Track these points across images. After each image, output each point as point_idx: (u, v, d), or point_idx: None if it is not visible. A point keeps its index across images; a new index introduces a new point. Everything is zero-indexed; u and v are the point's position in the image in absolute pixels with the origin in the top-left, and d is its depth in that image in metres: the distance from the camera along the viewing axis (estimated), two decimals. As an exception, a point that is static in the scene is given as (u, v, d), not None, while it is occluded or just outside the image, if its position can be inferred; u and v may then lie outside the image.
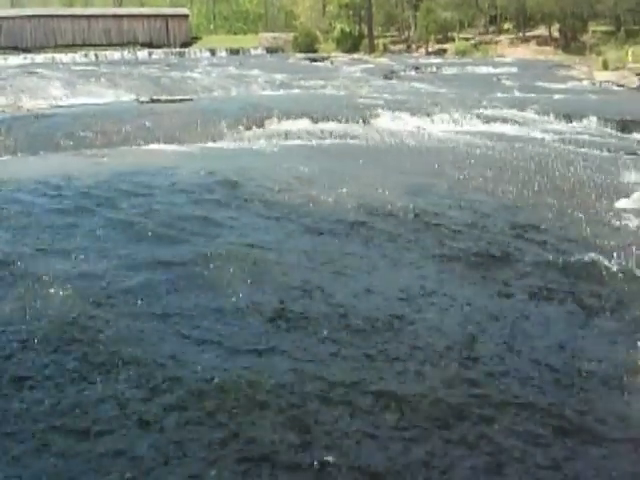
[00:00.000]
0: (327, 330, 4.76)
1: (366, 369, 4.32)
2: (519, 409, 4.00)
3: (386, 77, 31.00)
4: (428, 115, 16.32)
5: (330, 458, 3.49)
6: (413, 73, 33.22)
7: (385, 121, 15.63)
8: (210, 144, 12.59)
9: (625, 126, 16.74)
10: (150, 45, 50.50)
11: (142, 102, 18.08)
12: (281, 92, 23.47)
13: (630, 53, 33.42)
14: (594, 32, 43.21)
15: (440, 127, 15.26)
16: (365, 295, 5.48)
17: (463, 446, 3.66)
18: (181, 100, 18.52)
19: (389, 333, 4.80)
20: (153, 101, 18.18)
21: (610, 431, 3.89)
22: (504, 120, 16.33)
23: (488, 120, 16.23)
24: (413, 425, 3.79)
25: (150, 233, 6.54)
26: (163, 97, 19.43)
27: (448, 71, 34.06)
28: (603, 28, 43.93)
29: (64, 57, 42.64)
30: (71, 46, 47.95)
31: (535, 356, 4.65)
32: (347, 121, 15.19)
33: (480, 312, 5.33)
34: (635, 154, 13.09)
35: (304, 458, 3.50)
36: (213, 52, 47.89)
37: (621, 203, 8.90)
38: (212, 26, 58.86)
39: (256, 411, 3.82)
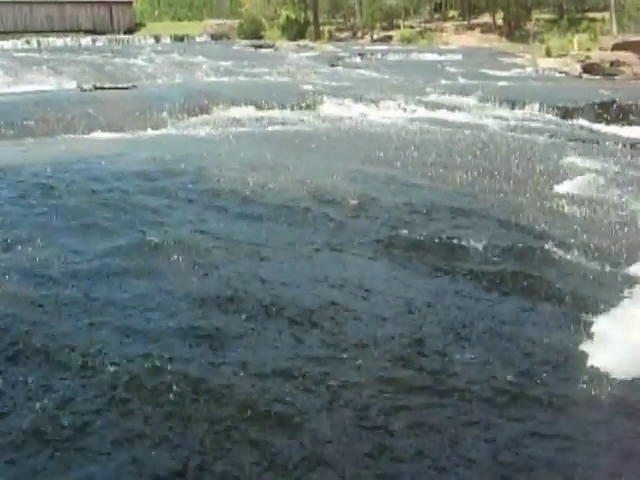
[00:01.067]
0: (269, 318, 4.74)
1: (306, 356, 4.31)
2: (464, 390, 4.03)
3: (331, 64, 30.96)
4: (373, 102, 16.37)
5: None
6: (358, 60, 33.23)
7: (330, 108, 15.64)
8: (153, 132, 12.48)
9: (567, 112, 17.02)
10: (93, 32, 49.66)
11: (85, 90, 17.81)
12: (226, 79, 23.33)
13: (575, 41, 33.80)
14: (537, 20, 43.71)
15: (385, 114, 15.31)
16: (308, 283, 5.48)
17: (410, 425, 3.69)
18: (124, 87, 18.30)
19: (330, 321, 4.79)
20: (96, 89, 17.91)
21: (551, 406, 3.96)
22: (449, 107, 16.44)
23: (433, 107, 16.33)
24: (355, 413, 3.80)
25: (92, 222, 6.45)
26: (106, 84, 19.17)
27: (393, 58, 34.12)
28: (546, 16, 44.47)
29: (5, 44, 41.68)
30: (12, 32, 47.03)
31: (479, 339, 4.70)
32: (292, 108, 15.18)
33: (423, 298, 5.36)
34: (576, 140, 13.30)
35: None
36: (157, 39, 47.20)
37: (562, 188, 9.02)
38: (156, 12, 58.08)
39: (190, 399, 3.80)
